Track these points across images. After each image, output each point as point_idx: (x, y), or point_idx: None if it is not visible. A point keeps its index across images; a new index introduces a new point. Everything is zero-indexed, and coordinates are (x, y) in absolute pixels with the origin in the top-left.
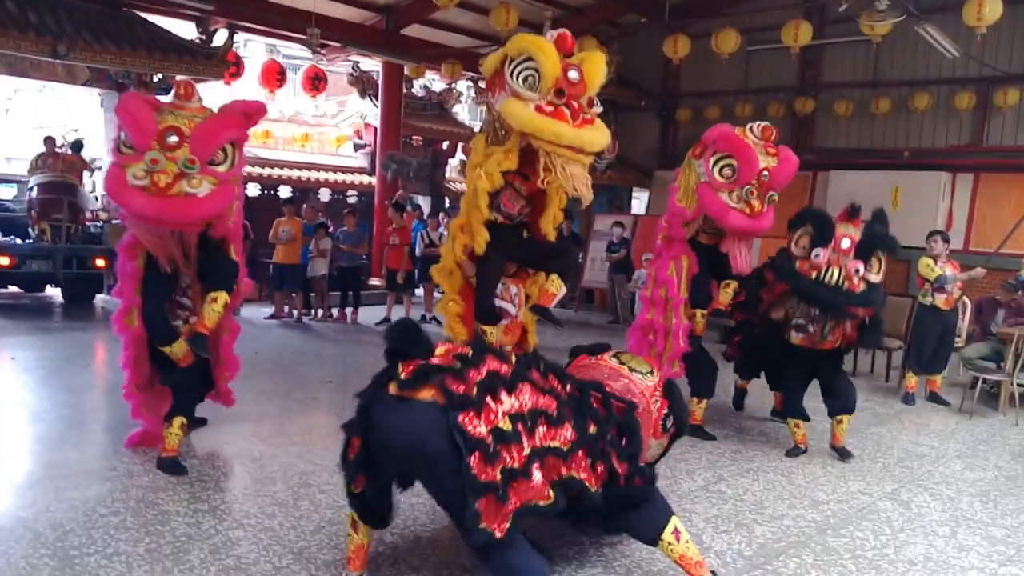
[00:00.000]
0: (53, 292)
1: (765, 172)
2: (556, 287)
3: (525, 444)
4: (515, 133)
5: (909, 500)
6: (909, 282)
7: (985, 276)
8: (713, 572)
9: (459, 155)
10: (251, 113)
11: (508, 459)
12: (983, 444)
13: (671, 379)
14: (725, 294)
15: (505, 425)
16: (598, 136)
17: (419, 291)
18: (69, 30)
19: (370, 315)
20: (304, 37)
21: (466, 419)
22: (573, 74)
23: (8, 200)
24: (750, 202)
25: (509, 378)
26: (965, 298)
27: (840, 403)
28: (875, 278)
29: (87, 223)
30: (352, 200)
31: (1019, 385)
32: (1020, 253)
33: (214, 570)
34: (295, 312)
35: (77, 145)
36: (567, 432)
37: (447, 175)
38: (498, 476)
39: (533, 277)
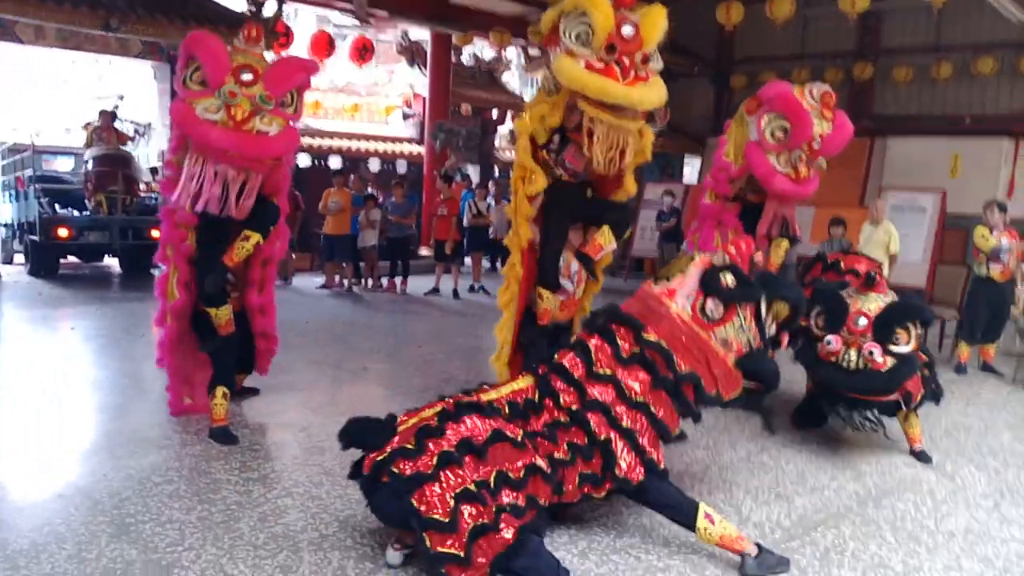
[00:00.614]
0: (111, 262)
1: (818, 138)
2: (606, 239)
3: (491, 503)
4: (564, 89)
5: (954, 472)
6: (966, 251)
7: None
8: (757, 544)
9: (508, 123)
10: (310, 67)
11: (475, 517)
12: None
13: (712, 267)
14: (776, 254)
15: (471, 488)
16: (650, 93)
17: (467, 260)
18: (122, 4)
19: (419, 285)
20: (351, 7)
21: (420, 499)
22: (627, 29)
23: (66, 173)
24: (797, 167)
25: (482, 444)
26: None
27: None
28: (906, 349)
29: (141, 195)
30: (401, 170)
31: None
32: None
33: (263, 537)
34: (345, 282)
35: (111, 116)
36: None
37: (496, 144)
38: (464, 540)
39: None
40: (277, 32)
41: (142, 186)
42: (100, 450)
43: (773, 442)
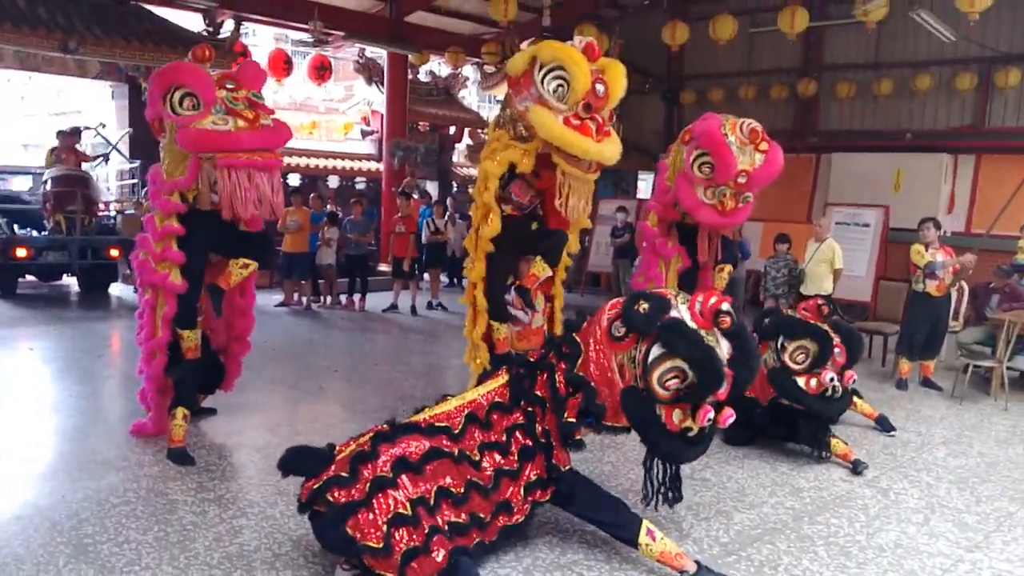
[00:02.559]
0: (70, 281)
1: (743, 175)
2: (539, 269)
3: (425, 524)
4: (539, 138)
5: (888, 487)
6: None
7: (979, 259)
8: (697, 561)
9: (466, 139)
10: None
11: (407, 541)
12: (970, 430)
13: (640, 292)
14: (720, 279)
15: (405, 511)
16: (615, 150)
17: (426, 277)
18: (79, 25)
19: (378, 301)
20: (308, 27)
21: (354, 526)
22: (600, 88)
23: (24, 192)
24: (723, 201)
25: (418, 461)
26: (963, 283)
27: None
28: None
29: (100, 214)
30: (360, 186)
31: (1010, 369)
32: (1016, 235)
33: (218, 557)
34: (304, 299)
35: (75, 131)
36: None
37: (454, 160)
38: (397, 564)
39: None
40: (235, 52)
41: (101, 206)
42: (59, 471)
43: (716, 459)
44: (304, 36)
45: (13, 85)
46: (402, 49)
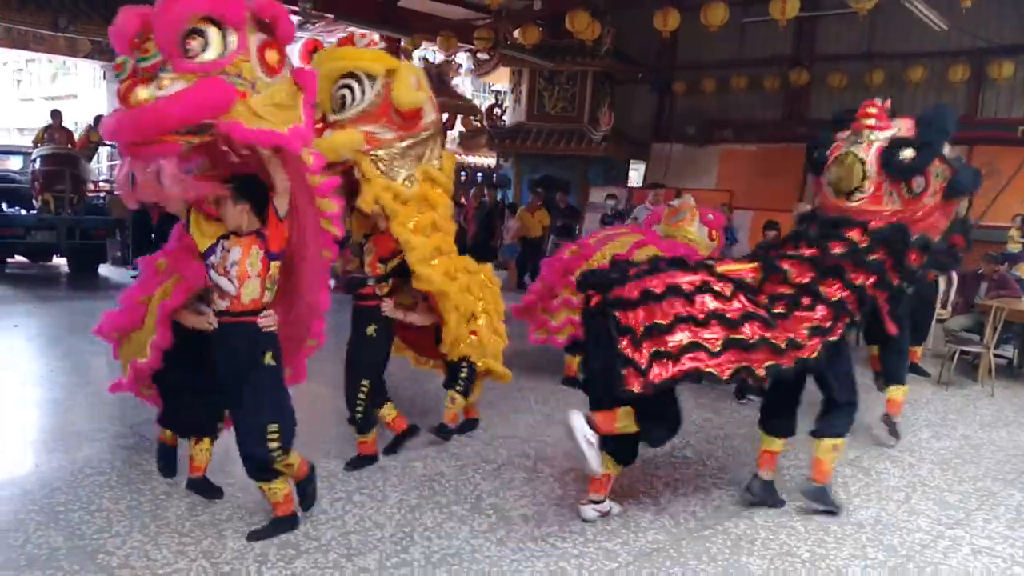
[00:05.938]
0: (60, 261)
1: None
2: None
3: (680, 337)
4: None
5: (870, 467)
6: None
7: (967, 248)
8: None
9: (458, 126)
10: None
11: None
12: (954, 414)
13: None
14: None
15: (664, 320)
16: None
17: None
18: (69, 2)
19: None
20: (297, 8)
21: (623, 315)
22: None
23: (14, 171)
24: None
25: (691, 292)
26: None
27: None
28: None
29: (89, 194)
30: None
31: (997, 356)
32: (1005, 225)
33: (189, 525)
34: None
35: (98, 119)
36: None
37: (446, 146)
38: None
39: None
40: None
41: (91, 186)
42: (35, 443)
43: (696, 438)
44: (297, 20)
45: (9, 71)
46: (393, 32)
